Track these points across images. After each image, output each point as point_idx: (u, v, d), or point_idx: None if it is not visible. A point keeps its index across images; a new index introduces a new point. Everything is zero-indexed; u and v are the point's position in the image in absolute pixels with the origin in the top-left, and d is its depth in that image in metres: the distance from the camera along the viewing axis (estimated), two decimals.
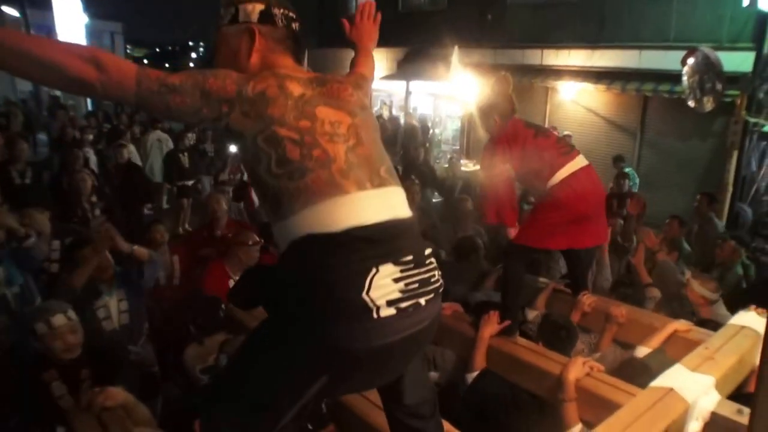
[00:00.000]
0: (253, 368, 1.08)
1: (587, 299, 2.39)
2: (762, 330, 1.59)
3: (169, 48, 68.67)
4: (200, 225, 4.05)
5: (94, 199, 3.99)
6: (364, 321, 0.95)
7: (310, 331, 0.97)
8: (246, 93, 1.00)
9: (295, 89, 1.04)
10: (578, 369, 1.82)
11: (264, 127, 0.99)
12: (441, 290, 1.09)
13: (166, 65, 61.36)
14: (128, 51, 36.54)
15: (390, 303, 0.96)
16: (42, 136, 10.47)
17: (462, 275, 3.03)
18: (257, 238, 3.00)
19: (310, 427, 1.62)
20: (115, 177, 5.29)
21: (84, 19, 18.53)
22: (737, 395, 1.53)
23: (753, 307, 1.90)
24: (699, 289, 2.58)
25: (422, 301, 1.01)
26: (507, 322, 2.16)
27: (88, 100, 12.87)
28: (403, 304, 0.98)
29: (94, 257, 2.42)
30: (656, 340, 2.07)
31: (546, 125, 8.97)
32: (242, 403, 1.08)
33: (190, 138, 6.79)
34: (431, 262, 1.08)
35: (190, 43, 71.21)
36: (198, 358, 2.05)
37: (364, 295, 0.94)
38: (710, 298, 2.53)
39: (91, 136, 7.45)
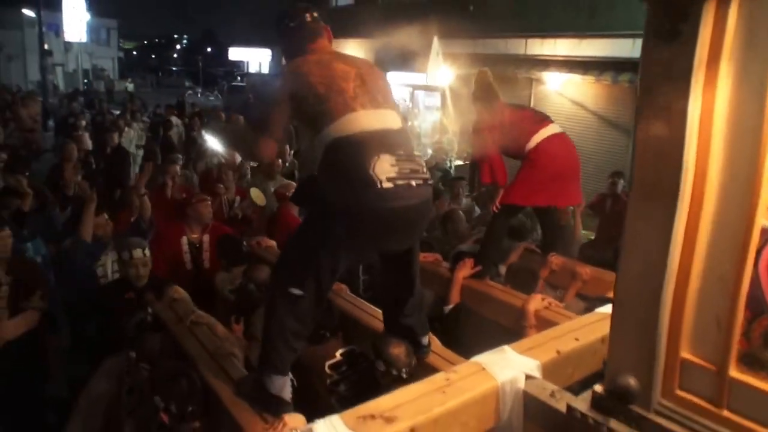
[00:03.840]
0: (300, 246, 1.88)
1: (555, 259, 3.07)
2: None
3: (156, 40, 79.77)
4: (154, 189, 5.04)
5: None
6: (371, 189, 1.66)
7: (338, 201, 1.72)
8: None
9: (321, 57, 1.91)
10: (537, 302, 2.54)
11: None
12: (429, 181, 1.85)
13: (153, 56, 71.92)
14: (120, 44, 42.40)
15: (389, 179, 1.67)
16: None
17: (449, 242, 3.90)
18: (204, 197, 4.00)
19: (324, 333, 2.44)
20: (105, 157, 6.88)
21: (87, 17, 24.82)
22: None
23: None
24: None
25: (413, 182, 1.73)
26: (479, 268, 2.96)
27: None
28: (399, 182, 1.69)
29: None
30: None
31: None
32: (293, 275, 1.79)
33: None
34: (419, 160, 1.85)
35: (175, 36, 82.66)
36: (227, 282, 3.04)
37: (370, 171, 1.67)
38: None
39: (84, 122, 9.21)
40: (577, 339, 1.99)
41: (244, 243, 3.45)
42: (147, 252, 3.05)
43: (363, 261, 2.71)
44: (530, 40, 10.77)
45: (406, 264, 2.07)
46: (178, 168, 4.99)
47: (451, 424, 1.58)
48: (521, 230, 3.89)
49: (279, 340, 1.83)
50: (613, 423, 1.31)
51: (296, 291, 1.80)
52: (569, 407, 1.41)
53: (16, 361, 2.80)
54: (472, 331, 2.61)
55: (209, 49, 62.76)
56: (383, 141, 1.78)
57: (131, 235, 3.47)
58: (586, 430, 1.36)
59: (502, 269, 3.24)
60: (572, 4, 9.67)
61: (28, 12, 24.71)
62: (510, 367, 1.71)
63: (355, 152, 1.74)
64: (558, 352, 1.88)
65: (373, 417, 1.49)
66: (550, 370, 1.77)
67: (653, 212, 1.17)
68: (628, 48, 8.33)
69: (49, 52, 21.38)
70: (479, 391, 1.64)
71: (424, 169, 1.87)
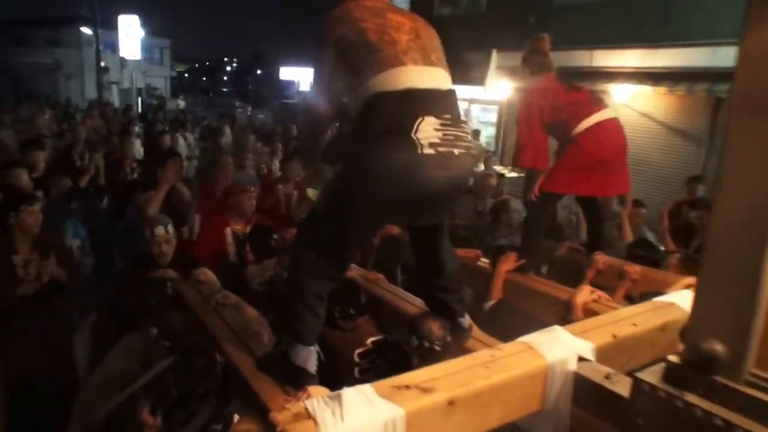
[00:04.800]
0: (327, 206, 1.80)
1: (601, 258, 2.94)
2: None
3: (207, 63, 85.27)
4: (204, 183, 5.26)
5: (134, 165, 5.83)
6: (412, 154, 1.56)
7: (371, 163, 1.59)
8: None
9: (375, 4, 1.83)
10: (586, 294, 2.42)
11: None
12: (472, 150, 1.74)
13: (204, 78, 77.04)
14: (172, 66, 44.59)
15: (431, 145, 1.57)
16: None
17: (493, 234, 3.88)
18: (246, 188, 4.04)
19: (351, 311, 2.37)
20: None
21: (141, 34, 26.51)
22: None
23: None
24: None
25: (455, 151, 1.63)
26: (523, 261, 2.83)
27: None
28: (441, 149, 1.59)
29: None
30: None
31: None
32: (319, 236, 1.73)
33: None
34: (465, 126, 1.73)
35: (225, 59, 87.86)
36: (257, 275, 3.02)
37: (412, 134, 1.57)
38: None
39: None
40: (635, 325, 1.86)
41: (275, 235, 3.43)
42: (170, 229, 3.10)
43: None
44: (596, 52, 10.66)
45: (434, 239, 1.98)
46: (230, 165, 5.03)
47: (493, 401, 1.46)
48: (559, 230, 3.80)
49: (302, 305, 1.75)
50: (690, 396, 1.15)
51: (321, 253, 1.73)
52: (635, 380, 1.25)
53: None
54: (514, 328, 2.46)
55: (258, 72, 65.77)
56: (430, 102, 1.68)
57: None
58: (653, 405, 1.20)
59: (544, 269, 3.14)
60: (642, 15, 9.65)
61: (85, 30, 26.79)
62: (561, 347, 1.60)
63: (398, 110, 1.63)
64: (614, 336, 1.75)
65: (407, 387, 1.39)
66: (603, 355, 1.65)
67: (762, 134, 1.00)
68: (706, 57, 8.34)
69: (106, 69, 22.85)
70: (527, 369, 1.53)
71: (469, 138, 1.77)
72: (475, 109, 14.04)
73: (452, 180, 1.69)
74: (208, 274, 2.74)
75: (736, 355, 1.11)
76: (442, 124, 1.64)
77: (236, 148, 7.28)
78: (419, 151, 1.58)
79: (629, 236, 4.02)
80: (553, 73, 2.97)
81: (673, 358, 1.22)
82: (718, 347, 1.11)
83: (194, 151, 9.60)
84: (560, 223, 3.93)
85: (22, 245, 3.13)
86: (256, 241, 3.40)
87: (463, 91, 13.16)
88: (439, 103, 1.70)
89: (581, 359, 1.57)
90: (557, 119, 2.85)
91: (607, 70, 10.44)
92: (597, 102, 2.91)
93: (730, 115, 1.13)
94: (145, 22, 28.71)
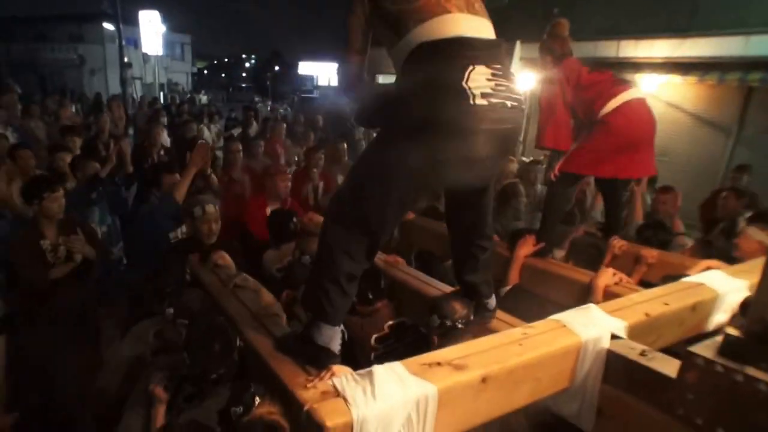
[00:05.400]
0: (365, 172, 1.67)
1: (618, 242, 2.86)
2: (720, 289, 1.90)
3: (225, 60, 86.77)
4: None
5: (161, 153, 5.96)
6: (463, 104, 1.45)
7: (417, 116, 1.48)
8: None
9: None
10: (608, 276, 2.33)
11: None
12: (523, 105, 1.63)
13: (223, 75, 78.12)
14: (193, 62, 45.52)
15: (483, 95, 1.47)
16: None
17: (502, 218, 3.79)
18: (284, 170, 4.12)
19: (370, 296, 2.33)
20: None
21: (162, 29, 26.91)
22: None
23: None
24: (758, 235, 2.84)
25: (508, 103, 1.53)
26: (542, 244, 2.75)
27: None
28: (493, 100, 1.49)
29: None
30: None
31: None
32: (355, 206, 1.60)
33: None
34: (515, 79, 1.62)
35: (243, 56, 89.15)
36: (275, 260, 2.97)
37: (463, 83, 1.46)
38: None
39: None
40: (666, 304, 1.78)
41: (294, 219, 3.36)
42: (217, 209, 3.07)
43: (435, 194, 2.48)
44: (623, 42, 10.49)
45: (478, 206, 1.88)
46: (239, 149, 5.12)
47: (525, 378, 1.40)
48: (572, 215, 3.71)
49: (330, 282, 1.64)
50: (752, 371, 1.06)
51: (356, 227, 1.63)
52: (687, 354, 1.16)
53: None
54: (532, 314, 2.39)
55: (276, 68, 66.47)
56: (480, 50, 1.56)
57: None
58: (707, 380, 1.11)
59: (559, 254, 3.04)
60: (671, 3, 9.52)
61: (108, 26, 27.46)
62: (594, 325, 1.54)
63: (448, 59, 1.52)
64: (647, 314, 1.69)
65: (439, 364, 1.33)
66: (634, 334, 1.59)
67: None
68: (738, 46, 8.26)
69: (129, 64, 23.22)
70: (560, 346, 1.47)
71: (520, 91, 1.67)
72: None
73: (505, 134, 1.60)
74: (225, 258, 2.69)
75: None
76: (493, 74, 1.54)
77: (270, 137, 7.43)
78: (471, 102, 1.48)
79: (640, 216, 3.93)
80: (573, 56, 2.90)
81: (732, 331, 1.13)
82: None
83: (219, 141, 9.65)
84: (572, 207, 3.80)
85: (48, 230, 3.19)
86: (275, 225, 3.31)
87: None
88: (489, 51, 1.60)
89: (614, 337, 1.51)
90: (581, 99, 2.78)
91: (634, 60, 10.33)
92: (622, 82, 2.82)
93: None
94: (166, 18, 29.06)
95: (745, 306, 1.18)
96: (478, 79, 1.50)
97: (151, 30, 26.31)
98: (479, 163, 1.64)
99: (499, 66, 1.57)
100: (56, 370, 2.86)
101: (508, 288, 2.64)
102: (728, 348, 1.11)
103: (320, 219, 3.36)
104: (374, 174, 1.63)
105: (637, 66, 10.15)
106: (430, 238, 3.24)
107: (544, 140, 2.90)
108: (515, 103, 1.59)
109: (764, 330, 1.03)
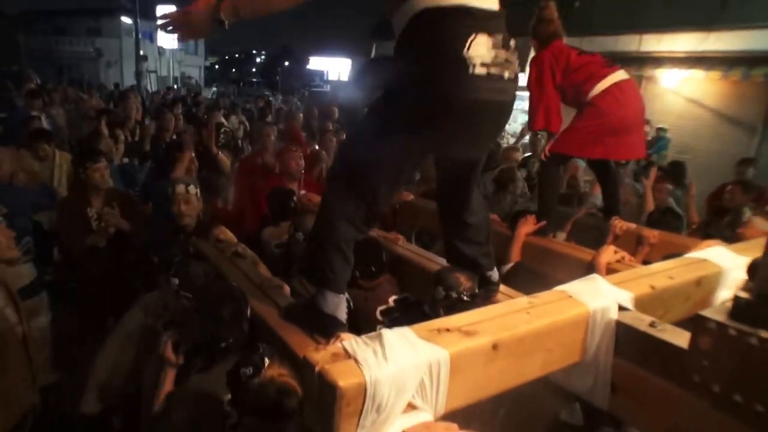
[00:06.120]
0: (363, 136, 1.70)
1: (619, 223, 2.90)
2: (725, 265, 1.90)
3: (236, 56, 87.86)
4: (250, 154, 5.65)
5: (174, 136, 6.16)
6: (462, 73, 1.47)
7: (415, 83, 1.50)
8: None
9: None
10: (609, 254, 2.34)
11: None
12: (519, 78, 1.64)
13: (233, 70, 79.10)
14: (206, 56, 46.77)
15: (483, 65, 1.49)
16: None
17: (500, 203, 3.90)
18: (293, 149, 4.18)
19: (373, 269, 2.35)
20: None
21: None
22: None
23: None
24: (764, 225, 2.95)
25: (506, 74, 1.56)
26: (543, 223, 2.79)
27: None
28: (492, 70, 1.51)
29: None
30: None
31: None
32: (353, 171, 1.64)
33: None
34: (515, 50, 1.63)
35: (254, 51, 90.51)
36: (273, 236, 2.99)
37: (464, 52, 1.47)
38: None
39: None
40: (671, 278, 1.74)
41: (294, 198, 3.41)
42: (192, 189, 3.05)
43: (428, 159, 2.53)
44: (645, 36, 10.39)
45: (467, 181, 1.90)
46: (270, 134, 5.29)
47: (536, 348, 1.37)
48: (570, 198, 3.82)
49: (333, 251, 1.67)
50: (766, 333, 1.03)
51: (354, 194, 1.65)
52: (698, 319, 1.13)
53: None
54: (535, 290, 2.39)
55: (286, 63, 66.73)
56: (483, 20, 1.56)
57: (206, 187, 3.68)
58: (721, 345, 1.08)
59: (561, 236, 3.09)
60: None
61: (125, 20, 28.14)
62: (601, 295, 1.50)
63: (449, 26, 1.53)
64: (652, 287, 1.64)
65: (448, 330, 1.31)
66: (641, 307, 1.54)
67: None
68: (766, 40, 8.25)
69: (145, 57, 23.58)
70: (569, 315, 1.42)
71: (518, 62, 1.67)
72: None
73: (500, 105, 1.62)
74: (227, 233, 2.75)
75: None
76: (494, 44, 1.54)
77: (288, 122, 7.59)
78: (470, 71, 1.49)
79: (651, 205, 4.07)
80: (563, 39, 2.92)
81: (742, 294, 1.10)
82: None
83: (240, 130, 9.96)
84: (570, 192, 4.00)
85: (96, 199, 3.49)
86: (275, 202, 3.34)
87: None
88: (492, 21, 1.59)
89: (621, 309, 1.47)
90: (570, 81, 2.80)
91: (655, 55, 10.22)
92: (610, 64, 2.84)
93: None
94: None
95: (752, 269, 1.14)
96: (479, 48, 1.51)
97: None
98: (473, 132, 1.65)
99: (500, 36, 1.58)
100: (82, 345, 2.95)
101: (510, 266, 2.67)
102: (740, 311, 1.08)
103: (318, 198, 3.40)
104: (371, 138, 1.65)
105: (659, 61, 10.07)
106: (429, 218, 3.29)
107: (536, 123, 2.94)
108: (512, 75, 1.60)
109: None
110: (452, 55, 1.49)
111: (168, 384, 1.91)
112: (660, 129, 8.91)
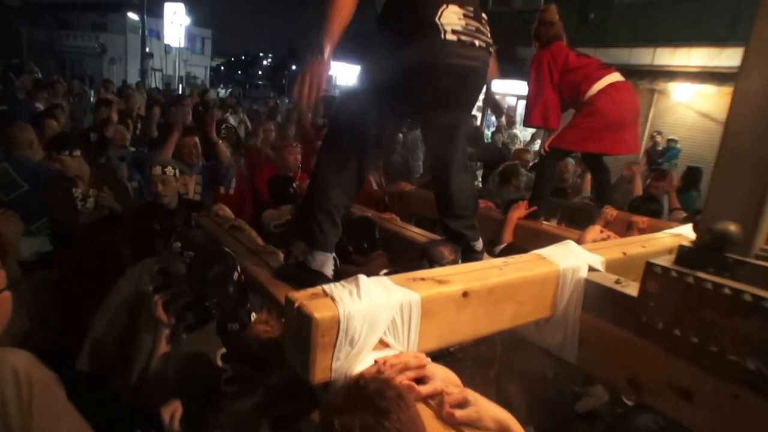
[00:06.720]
0: (347, 105, 1.93)
1: (611, 210, 3.16)
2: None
3: (243, 57, 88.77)
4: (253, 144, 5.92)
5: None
6: (434, 38, 1.68)
7: (393, 48, 1.73)
8: None
9: None
10: (595, 232, 2.50)
11: None
12: (491, 48, 1.84)
13: (239, 72, 79.76)
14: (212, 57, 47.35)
15: (454, 32, 1.70)
16: None
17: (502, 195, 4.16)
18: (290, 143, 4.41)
19: (365, 245, 2.50)
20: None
21: (186, 21, 28.46)
22: None
23: None
24: None
25: (476, 42, 1.76)
26: (534, 208, 3.03)
27: None
28: (463, 37, 1.72)
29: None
30: None
31: (648, 130, 9.68)
32: (339, 138, 1.86)
33: None
34: (486, 23, 1.83)
35: (260, 54, 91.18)
36: (273, 218, 3.16)
37: (436, 19, 1.68)
38: None
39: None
40: (644, 246, 1.94)
41: (294, 184, 3.65)
42: (169, 171, 3.17)
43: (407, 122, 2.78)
44: (659, 50, 10.56)
45: (448, 145, 2.06)
46: (272, 128, 5.84)
47: (506, 299, 1.52)
48: (564, 191, 4.18)
49: (322, 214, 1.87)
50: (701, 273, 1.20)
51: (342, 161, 1.85)
52: (647, 265, 1.29)
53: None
54: None
55: (293, 67, 67.13)
56: None
57: (209, 175, 4.02)
58: (664, 286, 1.25)
59: (552, 222, 3.30)
60: (711, 13, 9.70)
61: (132, 16, 28.92)
62: (573, 257, 1.67)
63: None
64: (624, 253, 1.82)
65: (423, 279, 1.46)
66: (613, 270, 1.69)
67: None
68: None
69: (150, 54, 23.71)
70: (539, 272, 1.60)
71: (489, 34, 1.87)
72: (522, 105, 14.20)
73: (471, 71, 1.80)
74: (225, 210, 2.92)
75: (748, 233, 1.16)
76: (465, 15, 1.75)
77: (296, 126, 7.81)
78: (442, 36, 1.70)
79: (639, 190, 4.52)
80: (563, 40, 3.16)
81: (685, 243, 1.27)
82: (732, 226, 1.16)
83: (241, 129, 10.14)
84: (564, 186, 4.38)
85: (81, 181, 3.61)
86: (275, 188, 3.62)
87: (517, 87, 13.32)
88: None
89: (591, 270, 1.63)
90: (568, 82, 3.05)
91: (668, 68, 10.38)
92: (606, 66, 3.11)
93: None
94: (190, 11, 29.93)
95: (695, 225, 1.32)
96: (450, 17, 1.72)
97: (175, 22, 27.33)
98: (445, 96, 1.84)
99: (471, 8, 1.79)
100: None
101: (502, 246, 2.91)
102: (682, 257, 1.25)
103: None
104: (354, 107, 1.87)
105: (671, 74, 10.25)
106: (427, 206, 3.52)
107: (532, 119, 3.19)
108: (483, 44, 1.80)
109: (711, 239, 1.17)
110: (426, 21, 1.71)
111: (162, 345, 2.02)
112: (671, 140, 9.31)
